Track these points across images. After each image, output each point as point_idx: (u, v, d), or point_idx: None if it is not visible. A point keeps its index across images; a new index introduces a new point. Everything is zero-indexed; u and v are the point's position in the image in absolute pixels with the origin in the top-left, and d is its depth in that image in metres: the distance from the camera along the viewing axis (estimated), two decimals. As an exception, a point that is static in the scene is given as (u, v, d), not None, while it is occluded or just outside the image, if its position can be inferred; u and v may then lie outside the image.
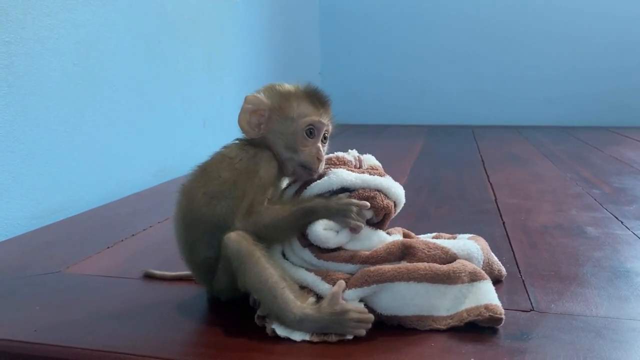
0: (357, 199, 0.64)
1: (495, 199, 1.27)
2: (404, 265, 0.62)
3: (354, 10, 3.31)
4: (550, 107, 3.14)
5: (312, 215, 0.63)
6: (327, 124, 0.69)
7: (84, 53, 1.28)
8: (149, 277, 0.79)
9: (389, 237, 0.68)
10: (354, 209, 0.63)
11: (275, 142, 0.67)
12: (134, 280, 0.78)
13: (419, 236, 0.77)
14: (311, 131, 0.67)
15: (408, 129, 3.01)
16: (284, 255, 0.67)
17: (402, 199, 0.69)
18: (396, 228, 0.76)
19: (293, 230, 0.64)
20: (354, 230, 0.63)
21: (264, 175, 0.65)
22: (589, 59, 3.05)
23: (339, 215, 0.63)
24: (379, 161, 0.73)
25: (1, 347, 0.60)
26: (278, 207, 0.64)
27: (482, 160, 1.88)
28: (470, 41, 3.19)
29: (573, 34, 3.06)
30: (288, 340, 0.58)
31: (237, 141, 0.70)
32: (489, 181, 1.49)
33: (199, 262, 0.66)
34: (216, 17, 1.99)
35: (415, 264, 0.62)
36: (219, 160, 0.67)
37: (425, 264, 0.62)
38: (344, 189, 0.66)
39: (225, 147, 0.69)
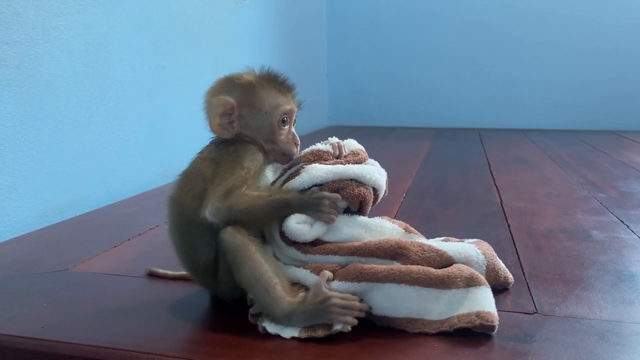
0: (328, 191, 0.65)
1: (501, 202, 1.27)
2: (397, 267, 0.62)
3: (361, 12, 3.31)
4: (557, 111, 3.13)
5: (287, 208, 0.64)
6: (296, 108, 0.70)
7: (93, 54, 1.29)
8: (152, 275, 0.79)
9: (372, 222, 0.68)
10: (326, 202, 0.64)
11: (254, 136, 0.68)
12: (140, 278, 0.79)
13: (430, 240, 0.73)
14: (284, 120, 0.69)
15: (415, 131, 3.00)
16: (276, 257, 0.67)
17: (380, 184, 0.69)
18: (384, 217, 0.73)
19: (268, 219, 0.65)
20: (327, 222, 0.64)
21: (248, 165, 0.65)
22: (596, 63, 3.04)
23: (311, 209, 0.64)
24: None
25: (9, 344, 0.61)
26: (256, 194, 0.63)
27: (489, 163, 1.87)
28: (478, 45, 3.18)
29: (581, 39, 3.04)
30: (292, 338, 0.58)
31: (211, 143, 0.70)
32: (494, 184, 1.49)
33: (201, 267, 0.66)
34: (224, 19, 2.01)
35: (409, 266, 0.62)
36: (200, 162, 0.67)
37: (420, 267, 0.62)
38: (316, 186, 0.66)
39: (200, 152, 0.69)
